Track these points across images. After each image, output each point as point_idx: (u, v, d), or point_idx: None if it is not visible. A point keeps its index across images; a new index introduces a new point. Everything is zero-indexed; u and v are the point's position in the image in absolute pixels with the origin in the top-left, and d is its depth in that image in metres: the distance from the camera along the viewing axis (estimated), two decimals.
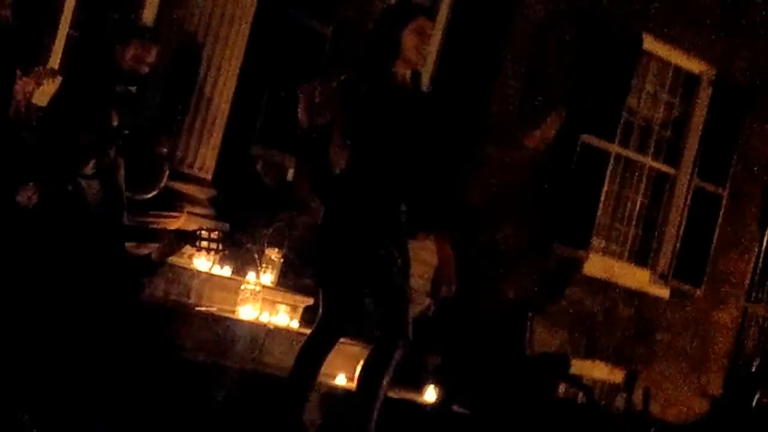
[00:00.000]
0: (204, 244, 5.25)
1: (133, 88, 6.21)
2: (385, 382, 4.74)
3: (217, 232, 5.24)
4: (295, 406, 4.89)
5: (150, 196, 6.19)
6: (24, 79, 5.51)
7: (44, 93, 6.07)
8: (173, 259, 6.43)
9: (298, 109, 4.73)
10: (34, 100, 5.82)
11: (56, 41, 7.00)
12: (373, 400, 4.69)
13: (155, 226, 6.19)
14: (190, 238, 5.25)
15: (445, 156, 4.93)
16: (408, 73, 4.86)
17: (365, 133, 4.72)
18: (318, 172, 4.84)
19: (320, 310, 4.93)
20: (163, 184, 6.30)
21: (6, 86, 5.43)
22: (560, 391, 8.62)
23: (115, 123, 5.20)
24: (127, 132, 5.32)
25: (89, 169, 5.15)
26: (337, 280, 4.83)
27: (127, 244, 5.43)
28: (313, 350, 4.91)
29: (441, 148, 4.86)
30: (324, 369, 5.05)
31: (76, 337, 4.93)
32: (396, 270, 4.74)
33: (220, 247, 5.27)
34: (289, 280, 7.26)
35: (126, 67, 6.11)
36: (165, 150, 6.38)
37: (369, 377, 4.74)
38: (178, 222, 6.45)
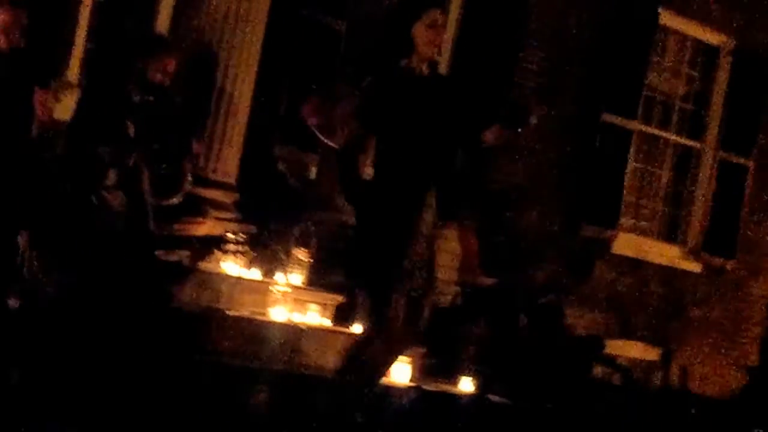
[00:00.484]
0: (231, 247, 5.28)
1: (151, 98, 6.24)
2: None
3: (243, 235, 5.27)
4: (350, 406, 4.87)
5: (174, 201, 6.22)
6: (41, 92, 5.53)
7: (65, 107, 6.10)
8: (202, 265, 6.46)
9: (320, 136, 4.73)
10: (54, 115, 5.84)
11: (73, 54, 7.03)
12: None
13: (183, 232, 6.22)
14: (217, 242, 5.28)
15: (466, 143, 4.89)
16: (424, 66, 4.83)
17: (391, 133, 4.69)
18: (348, 177, 4.82)
19: (363, 311, 4.87)
20: (186, 189, 6.32)
21: (26, 106, 5.47)
22: (597, 372, 8.60)
23: (132, 133, 5.23)
24: (157, 147, 5.34)
25: (111, 180, 5.18)
26: (378, 280, 4.78)
27: (157, 252, 5.46)
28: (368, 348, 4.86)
29: (462, 135, 4.83)
30: None
31: (109, 344, 4.96)
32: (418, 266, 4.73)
33: (248, 248, 5.29)
34: (318, 278, 7.27)
35: (152, 80, 6.15)
36: (187, 161, 6.39)
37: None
38: (205, 227, 6.47)
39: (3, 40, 5.59)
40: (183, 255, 6.14)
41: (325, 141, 4.73)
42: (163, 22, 7.41)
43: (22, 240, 5.14)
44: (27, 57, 5.64)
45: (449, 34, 8.95)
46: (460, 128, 4.79)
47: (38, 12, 5.95)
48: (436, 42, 4.75)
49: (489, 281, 7.36)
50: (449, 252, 7.26)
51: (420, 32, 4.71)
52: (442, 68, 8.86)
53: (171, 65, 6.27)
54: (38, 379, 4.81)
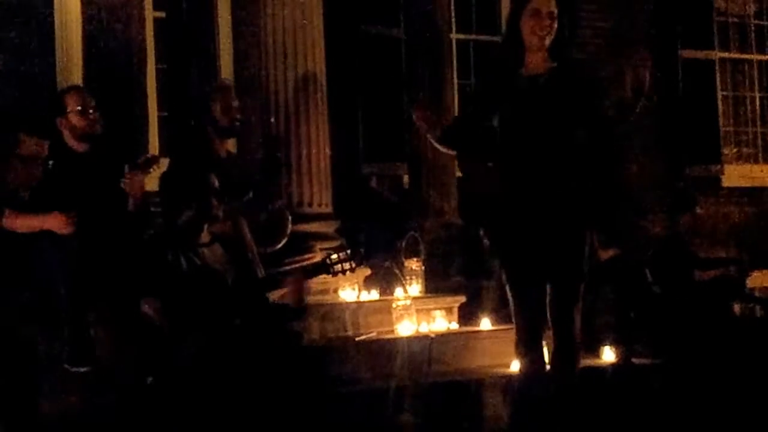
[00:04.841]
0: (338, 267, 5.27)
1: (232, 141, 6.34)
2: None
3: (344, 252, 5.26)
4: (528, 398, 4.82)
5: (279, 247, 6.26)
6: (130, 172, 5.63)
7: (155, 178, 6.18)
8: (320, 298, 6.50)
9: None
10: (147, 188, 5.92)
11: (149, 126, 7.14)
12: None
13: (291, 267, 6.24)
14: (323, 267, 5.27)
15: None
16: (537, 58, 4.63)
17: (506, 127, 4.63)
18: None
19: (513, 304, 4.80)
20: (289, 232, 6.36)
21: (119, 186, 5.58)
22: (736, 310, 8.40)
23: (217, 185, 5.27)
24: (250, 196, 5.37)
25: (205, 236, 5.23)
26: (526, 272, 4.68)
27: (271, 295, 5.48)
28: (528, 344, 4.76)
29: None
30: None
31: (250, 395, 5.00)
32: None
33: (353, 264, 5.28)
34: (435, 284, 7.25)
35: (222, 123, 6.23)
36: (282, 202, 6.43)
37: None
38: (314, 259, 6.49)
39: (81, 121, 5.71)
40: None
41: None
42: (226, 72, 7.49)
43: (150, 310, 5.20)
44: (109, 139, 5.77)
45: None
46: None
47: (108, 95, 6.07)
48: (536, 30, 4.58)
49: (610, 254, 7.28)
50: None
51: (524, 24, 4.61)
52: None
53: (234, 100, 6.34)
54: None
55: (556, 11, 4.62)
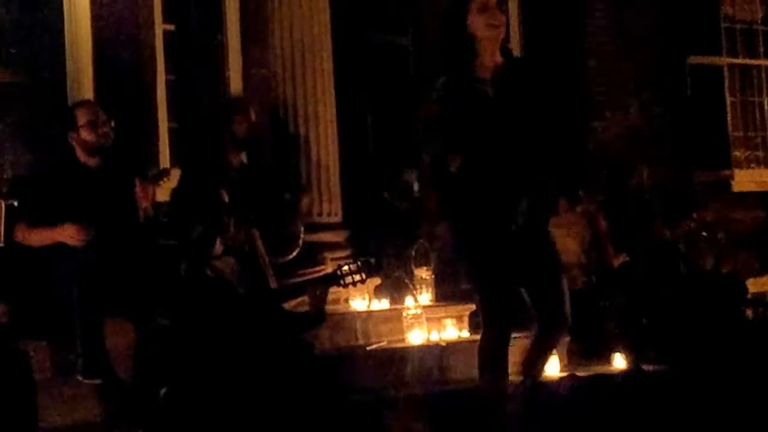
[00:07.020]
0: (349, 279, 5.30)
1: (243, 156, 6.36)
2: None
3: (355, 264, 5.29)
4: (494, 411, 4.83)
5: (291, 257, 6.29)
6: (141, 184, 5.67)
7: (167, 189, 6.22)
8: (331, 308, 6.52)
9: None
10: (158, 199, 5.96)
11: (160, 138, 7.17)
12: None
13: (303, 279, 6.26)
14: (334, 279, 5.31)
15: (561, 121, 4.80)
16: (494, 56, 4.62)
17: (476, 134, 4.62)
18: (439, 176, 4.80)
19: (484, 310, 4.82)
20: (301, 242, 6.39)
21: (130, 198, 5.62)
22: (747, 315, 8.40)
23: (226, 199, 5.31)
24: (256, 212, 5.42)
25: (218, 249, 5.26)
26: (492, 274, 4.70)
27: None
28: (494, 351, 4.83)
29: (555, 114, 4.73)
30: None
31: (265, 408, 5.02)
32: (545, 254, 4.67)
33: (364, 275, 5.31)
34: (445, 292, 7.27)
35: (241, 135, 6.27)
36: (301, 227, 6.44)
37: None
38: (325, 271, 6.52)
39: (92, 135, 5.72)
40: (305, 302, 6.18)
41: None
42: (235, 84, 7.52)
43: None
44: (120, 151, 5.81)
45: (514, 16, 8.87)
46: (549, 107, 4.68)
47: (119, 107, 6.11)
48: (493, 22, 4.51)
49: (621, 260, 7.31)
50: (577, 236, 7.25)
51: (474, 21, 4.53)
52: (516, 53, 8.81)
53: (252, 114, 6.38)
54: None
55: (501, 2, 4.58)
